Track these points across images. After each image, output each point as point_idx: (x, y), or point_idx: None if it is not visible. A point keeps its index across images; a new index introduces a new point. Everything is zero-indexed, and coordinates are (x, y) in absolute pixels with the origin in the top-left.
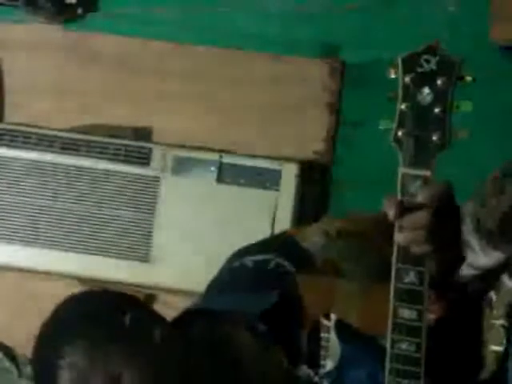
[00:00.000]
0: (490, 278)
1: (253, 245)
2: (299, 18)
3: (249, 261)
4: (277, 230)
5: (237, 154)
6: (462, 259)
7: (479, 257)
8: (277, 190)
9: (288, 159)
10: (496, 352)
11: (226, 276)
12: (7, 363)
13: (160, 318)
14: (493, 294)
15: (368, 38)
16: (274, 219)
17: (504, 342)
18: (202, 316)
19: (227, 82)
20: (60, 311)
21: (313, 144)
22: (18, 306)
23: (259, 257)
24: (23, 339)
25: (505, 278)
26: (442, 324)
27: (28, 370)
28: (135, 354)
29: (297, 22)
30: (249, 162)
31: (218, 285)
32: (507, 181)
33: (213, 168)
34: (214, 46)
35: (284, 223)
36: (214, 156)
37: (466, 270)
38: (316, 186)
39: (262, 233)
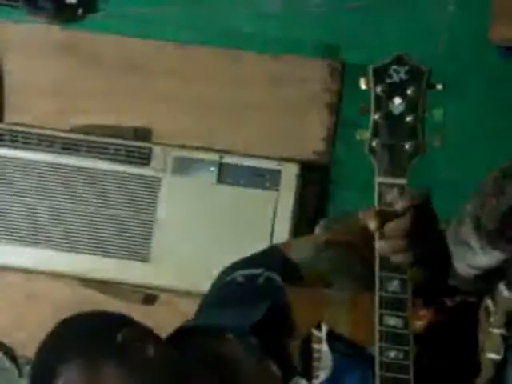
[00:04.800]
0: (490, 277)
1: (242, 260)
2: (299, 18)
3: (239, 276)
4: (277, 230)
5: (237, 154)
6: (448, 264)
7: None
8: (277, 190)
9: (288, 159)
10: (493, 360)
11: (217, 292)
12: (7, 363)
13: (154, 335)
14: (490, 302)
15: (368, 38)
16: (273, 219)
17: (501, 350)
18: (196, 332)
19: (227, 81)
20: (57, 331)
21: (313, 144)
22: (18, 306)
23: (249, 271)
24: (23, 339)
25: (502, 287)
26: (434, 329)
27: (28, 370)
28: (128, 369)
29: (297, 21)
30: (249, 162)
31: (210, 301)
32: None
33: (213, 168)
34: (214, 46)
35: (284, 223)
36: (214, 156)
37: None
38: (316, 185)
39: (261, 233)
